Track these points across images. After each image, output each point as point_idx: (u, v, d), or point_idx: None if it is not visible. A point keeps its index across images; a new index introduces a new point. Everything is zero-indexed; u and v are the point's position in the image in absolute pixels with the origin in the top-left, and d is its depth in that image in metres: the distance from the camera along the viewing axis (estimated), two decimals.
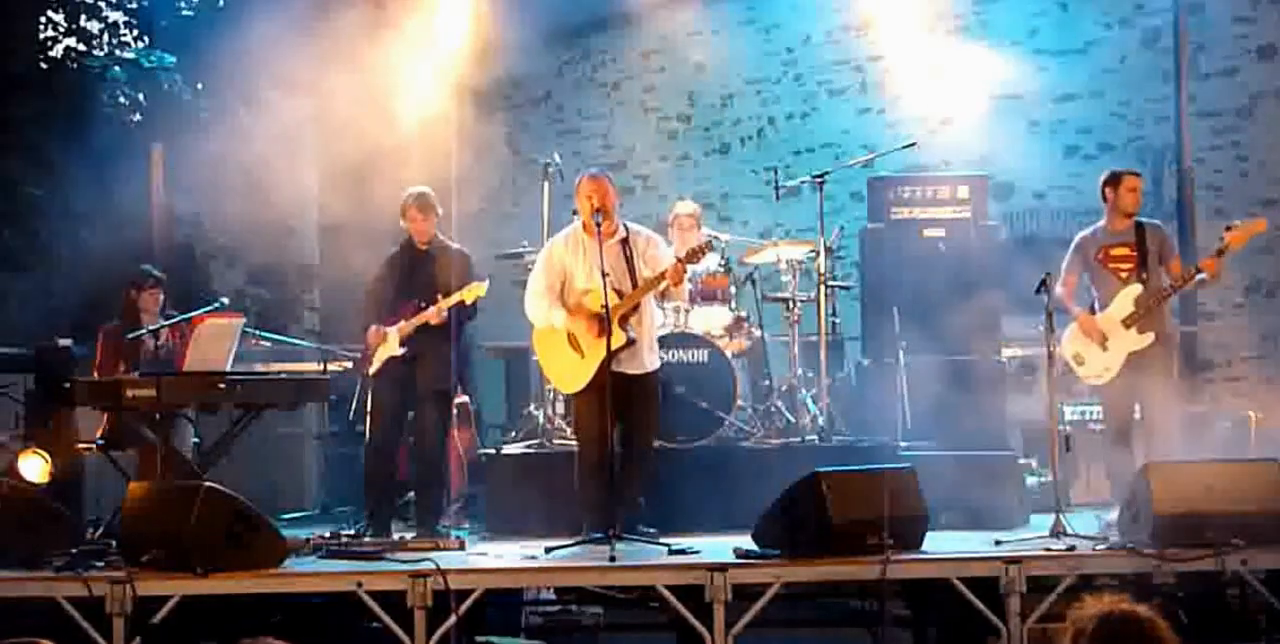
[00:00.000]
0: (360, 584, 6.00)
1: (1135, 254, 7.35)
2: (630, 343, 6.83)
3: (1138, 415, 7.48)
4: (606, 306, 6.68)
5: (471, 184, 12.96)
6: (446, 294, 7.16)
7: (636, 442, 7.05)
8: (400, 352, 7.23)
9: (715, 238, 7.03)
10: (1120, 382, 7.34)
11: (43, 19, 11.41)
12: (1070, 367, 7.45)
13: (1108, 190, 7.48)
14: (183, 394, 7.03)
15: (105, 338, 7.73)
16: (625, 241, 7.02)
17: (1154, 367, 7.30)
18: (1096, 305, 7.45)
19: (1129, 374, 7.31)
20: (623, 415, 6.97)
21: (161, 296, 7.78)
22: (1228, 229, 7.21)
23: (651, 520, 7.03)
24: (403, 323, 7.24)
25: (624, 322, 6.83)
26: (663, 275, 6.83)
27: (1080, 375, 7.50)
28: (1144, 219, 7.55)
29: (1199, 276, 7.21)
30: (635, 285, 6.91)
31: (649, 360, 7.07)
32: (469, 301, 7.18)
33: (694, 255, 6.84)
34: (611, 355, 6.65)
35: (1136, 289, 7.30)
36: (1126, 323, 7.29)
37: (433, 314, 7.13)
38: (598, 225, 6.83)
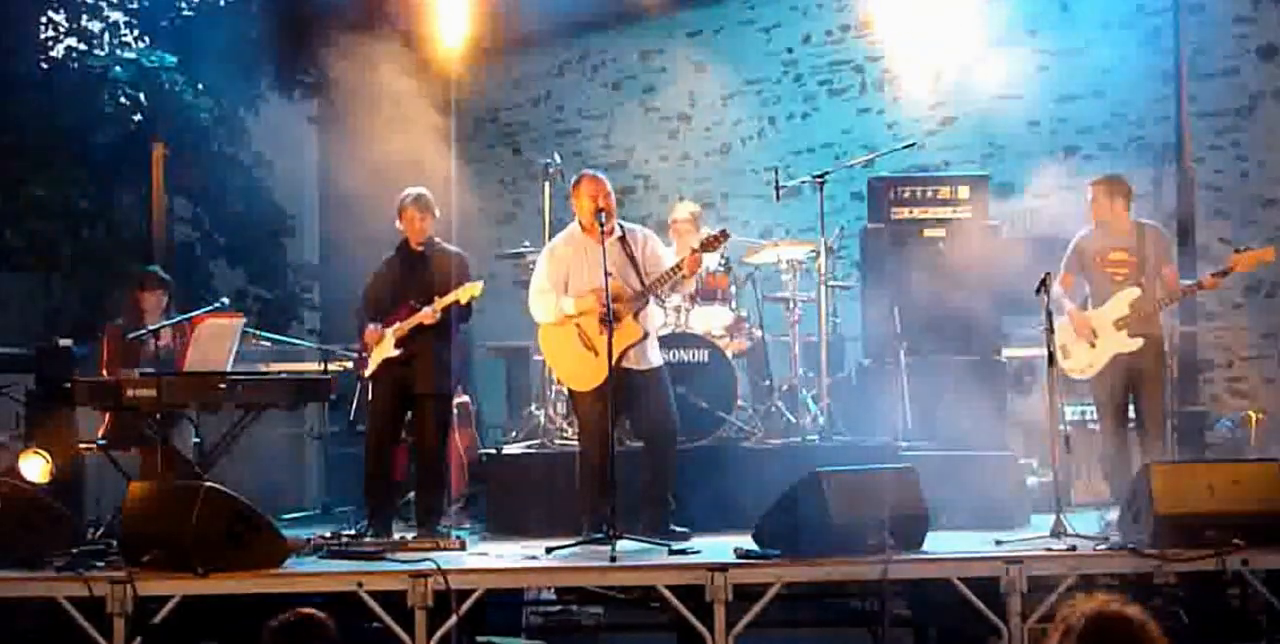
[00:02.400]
0: (361, 584, 6.00)
1: (1134, 259, 7.35)
2: (645, 336, 6.86)
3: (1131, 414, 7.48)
4: (609, 306, 6.68)
5: (472, 184, 12.97)
6: (443, 295, 7.16)
7: (659, 438, 7.04)
8: (396, 353, 7.21)
9: (724, 232, 7.04)
10: (1107, 381, 7.34)
11: (44, 19, 11.42)
12: (1056, 358, 7.45)
13: None
14: (183, 394, 7.02)
15: (109, 338, 7.73)
16: (623, 240, 7.03)
17: (1145, 370, 7.31)
18: (1090, 303, 7.46)
19: (1117, 374, 7.31)
20: (638, 413, 6.98)
21: (165, 298, 7.78)
22: (1237, 251, 7.21)
23: (678, 519, 7.02)
24: (398, 324, 7.23)
25: (635, 317, 6.85)
26: (679, 266, 6.84)
27: (1064, 368, 7.48)
28: (1146, 221, 7.55)
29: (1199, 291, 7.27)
30: (641, 281, 6.92)
31: (655, 356, 7.09)
32: (464, 302, 7.17)
33: (710, 244, 6.87)
34: (618, 355, 6.65)
35: (1134, 292, 7.30)
36: (1118, 325, 7.30)
37: (427, 315, 7.12)
38: (601, 225, 6.84)
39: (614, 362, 6.71)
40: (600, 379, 6.86)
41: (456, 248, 7.57)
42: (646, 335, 6.91)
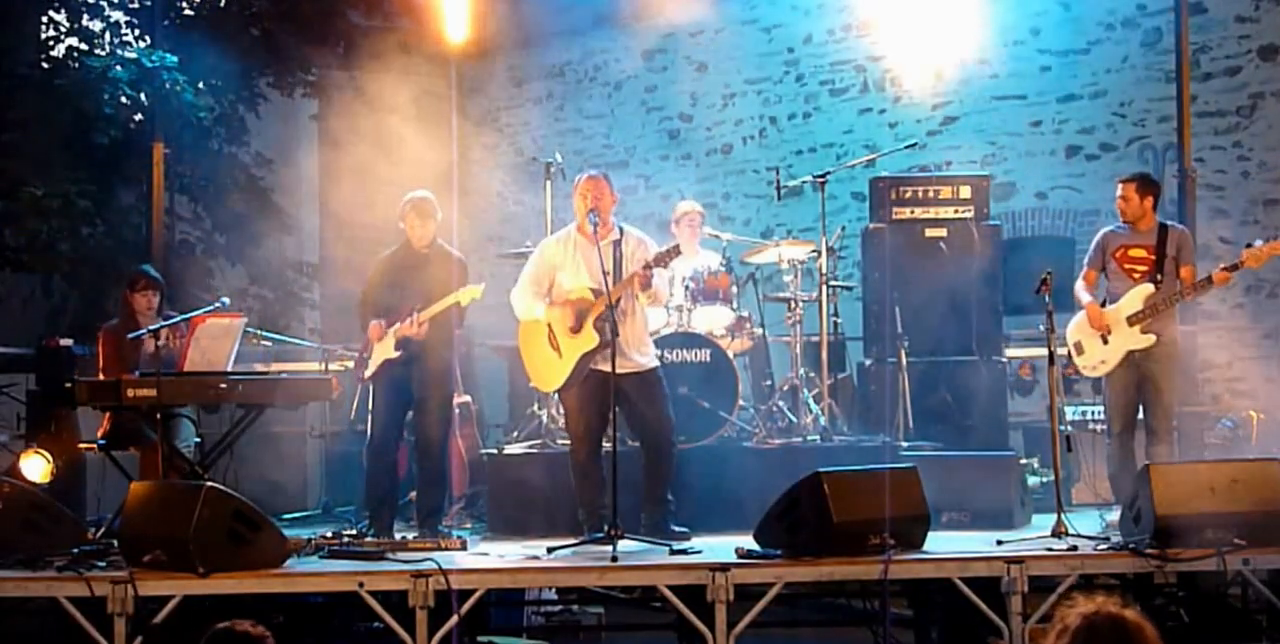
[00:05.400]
0: (362, 584, 6.00)
1: (1152, 257, 7.33)
2: (604, 345, 6.72)
3: (1140, 415, 7.47)
4: (609, 305, 6.67)
5: (474, 183, 12.98)
6: (437, 300, 7.14)
7: (647, 439, 7.03)
8: (395, 354, 7.20)
9: (676, 247, 6.93)
10: (1120, 378, 7.32)
11: (44, 19, 11.42)
12: (1071, 354, 7.45)
13: None
14: (183, 394, 7.02)
15: (105, 340, 7.72)
16: (618, 243, 7.00)
17: (1156, 368, 7.29)
18: (1108, 301, 7.45)
19: (1129, 371, 7.30)
20: (629, 415, 6.97)
21: (156, 297, 7.72)
22: (1249, 246, 7.20)
23: (678, 519, 7.02)
24: (398, 325, 7.21)
25: (598, 322, 6.78)
26: (631, 279, 6.81)
27: (1078, 365, 7.47)
28: (1169, 222, 7.54)
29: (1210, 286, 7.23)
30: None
31: (640, 359, 7.01)
32: (465, 304, 7.15)
33: (662, 259, 6.79)
34: (578, 361, 6.64)
35: (1148, 289, 7.29)
36: (1132, 320, 7.28)
37: (407, 327, 7.09)
38: (593, 225, 6.83)
39: (583, 366, 6.78)
40: (560, 381, 6.90)
41: (458, 253, 7.55)
42: (605, 344, 6.69)
